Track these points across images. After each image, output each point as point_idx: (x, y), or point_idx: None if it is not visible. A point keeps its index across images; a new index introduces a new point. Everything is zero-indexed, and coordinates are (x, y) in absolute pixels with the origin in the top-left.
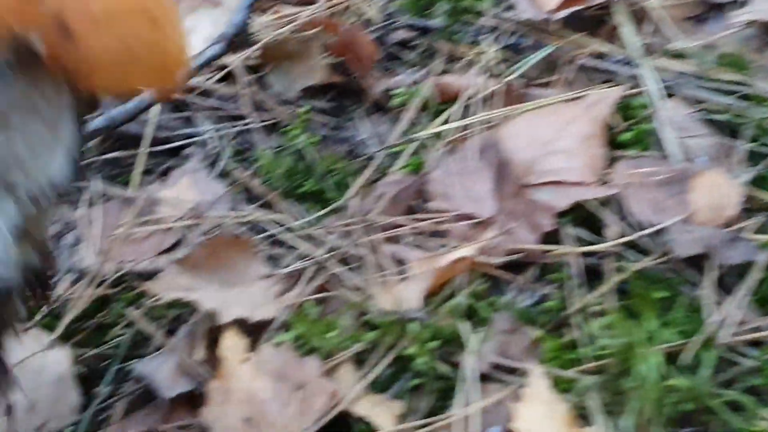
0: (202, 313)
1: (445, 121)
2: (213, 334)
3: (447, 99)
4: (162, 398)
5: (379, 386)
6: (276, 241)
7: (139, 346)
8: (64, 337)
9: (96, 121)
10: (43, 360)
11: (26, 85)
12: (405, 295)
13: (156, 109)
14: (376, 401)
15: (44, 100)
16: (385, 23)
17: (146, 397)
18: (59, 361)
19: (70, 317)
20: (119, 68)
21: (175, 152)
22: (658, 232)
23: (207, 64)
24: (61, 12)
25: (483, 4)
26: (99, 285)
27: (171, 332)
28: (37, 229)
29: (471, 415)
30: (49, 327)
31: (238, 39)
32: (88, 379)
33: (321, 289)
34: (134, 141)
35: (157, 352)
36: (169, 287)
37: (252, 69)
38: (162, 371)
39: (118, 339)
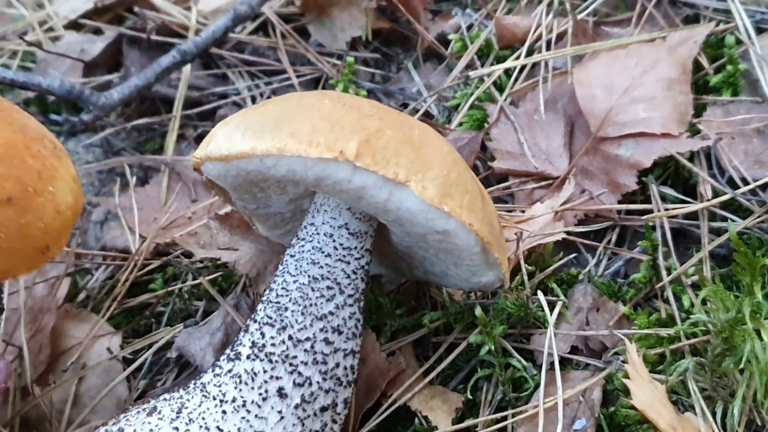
0: None
1: (508, 68)
2: None
3: (510, 43)
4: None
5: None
6: None
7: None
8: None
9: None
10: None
11: None
12: None
13: (187, 67)
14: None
15: None
16: None
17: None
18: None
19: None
20: None
21: (210, 115)
22: (760, 189)
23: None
24: None
25: None
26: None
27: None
28: None
29: (553, 409)
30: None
31: None
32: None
33: None
34: (165, 103)
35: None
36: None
37: (288, 18)
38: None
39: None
